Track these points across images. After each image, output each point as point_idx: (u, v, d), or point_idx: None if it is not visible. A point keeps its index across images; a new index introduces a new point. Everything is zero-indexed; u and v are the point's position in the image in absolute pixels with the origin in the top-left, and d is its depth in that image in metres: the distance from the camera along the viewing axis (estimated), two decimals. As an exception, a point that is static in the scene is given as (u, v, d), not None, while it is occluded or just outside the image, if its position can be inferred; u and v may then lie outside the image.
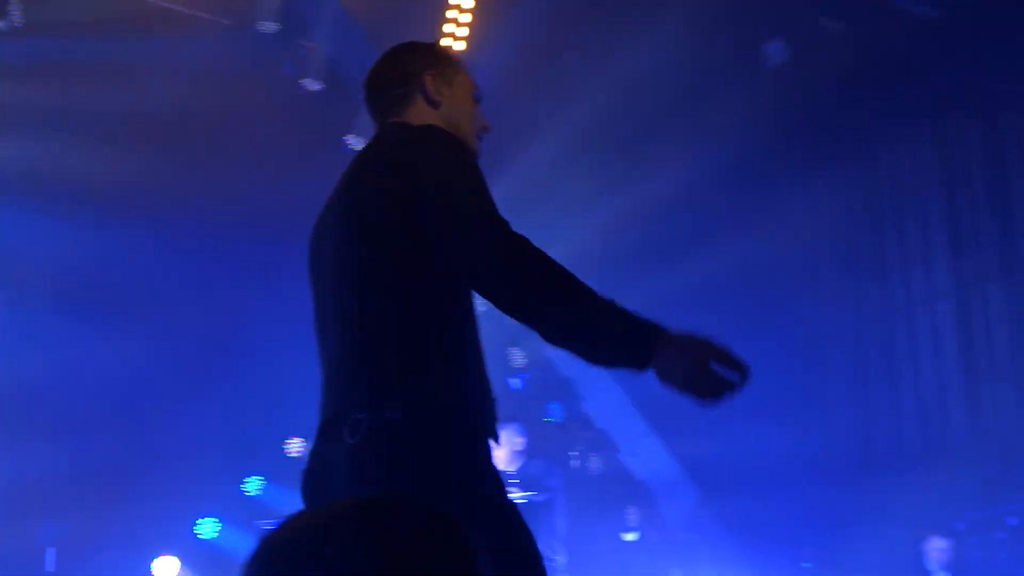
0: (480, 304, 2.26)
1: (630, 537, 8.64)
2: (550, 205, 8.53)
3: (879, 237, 9.71)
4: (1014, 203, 8.87)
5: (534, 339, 2.16)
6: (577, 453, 8.85)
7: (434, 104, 2.44)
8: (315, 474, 2.32)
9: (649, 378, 2.15)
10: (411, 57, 2.55)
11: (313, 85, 8.26)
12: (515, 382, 8.81)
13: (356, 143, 8.51)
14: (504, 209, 2.12)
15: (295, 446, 7.57)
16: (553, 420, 8.98)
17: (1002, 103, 8.98)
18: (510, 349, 8.61)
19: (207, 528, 7.24)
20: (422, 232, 2.19)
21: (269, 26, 7.72)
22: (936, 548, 7.73)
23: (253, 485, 7.58)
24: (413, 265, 2.23)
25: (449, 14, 8.16)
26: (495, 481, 2.20)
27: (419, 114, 2.41)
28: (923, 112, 9.34)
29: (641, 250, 9.14)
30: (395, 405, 2.13)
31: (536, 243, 2.10)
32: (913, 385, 9.52)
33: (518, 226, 2.09)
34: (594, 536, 7.89)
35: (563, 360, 8.86)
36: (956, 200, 9.21)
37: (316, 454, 2.34)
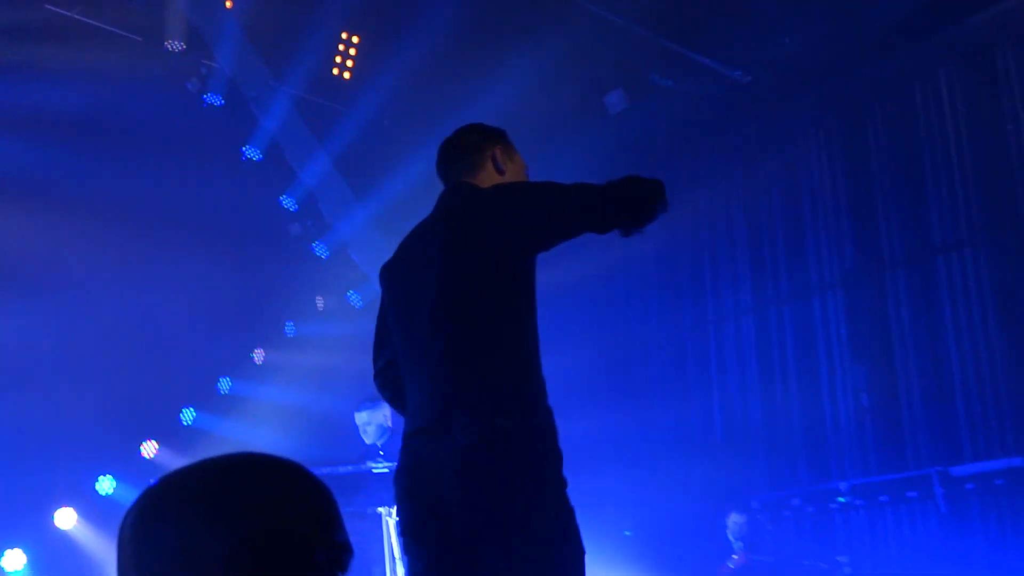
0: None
1: None
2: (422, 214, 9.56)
3: (696, 261, 11.32)
4: (805, 236, 10.64)
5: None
6: None
7: (500, 172, 2.91)
8: (412, 469, 2.62)
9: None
10: (484, 133, 3.03)
11: (214, 100, 9.15)
12: None
13: (252, 153, 9.44)
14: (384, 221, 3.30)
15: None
16: None
17: (799, 151, 10.78)
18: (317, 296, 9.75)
19: (105, 485, 7.97)
20: (518, 271, 2.61)
21: (176, 44, 8.61)
22: (734, 521, 8.89)
23: (148, 449, 8.31)
24: (508, 301, 2.64)
25: (340, 46, 9.28)
26: (562, 487, 2.60)
27: (488, 178, 2.86)
28: (735, 157, 11.05)
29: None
30: (505, 415, 2.48)
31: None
32: (720, 384, 11.02)
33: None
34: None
35: None
36: (758, 232, 10.89)
37: (412, 451, 2.64)
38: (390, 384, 2.99)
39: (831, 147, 10.59)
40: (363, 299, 10.07)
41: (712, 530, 9.33)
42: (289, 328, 9.67)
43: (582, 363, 10.14)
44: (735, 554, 8.74)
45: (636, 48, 9.45)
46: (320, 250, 9.94)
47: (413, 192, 9.39)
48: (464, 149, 2.97)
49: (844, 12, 8.99)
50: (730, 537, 8.88)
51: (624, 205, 2.66)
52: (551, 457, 2.55)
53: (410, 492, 2.61)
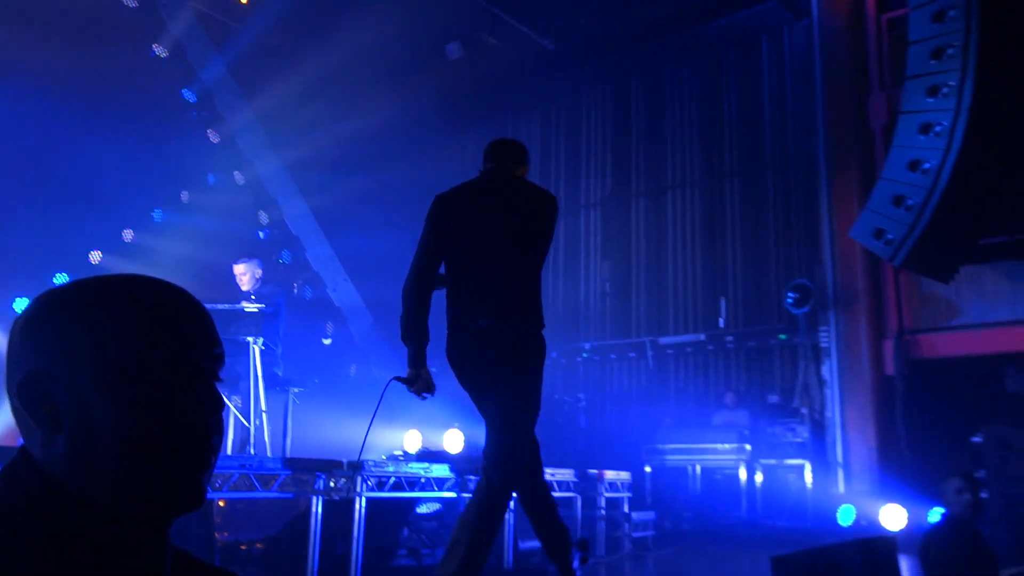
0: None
1: (327, 341, 11.08)
2: (296, 124, 10.93)
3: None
4: (580, 168, 12.88)
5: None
6: (296, 284, 11.19)
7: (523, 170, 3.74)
8: (470, 344, 3.40)
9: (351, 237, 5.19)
10: (526, 155, 3.80)
11: (130, 2, 10.05)
12: (261, 234, 11.15)
13: (160, 51, 10.34)
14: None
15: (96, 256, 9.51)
16: (283, 261, 11.31)
17: (581, 105, 12.88)
18: (259, 212, 11.01)
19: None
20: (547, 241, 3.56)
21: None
22: None
23: (60, 278, 9.22)
24: (541, 254, 3.57)
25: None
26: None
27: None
28: (537, 104, 13.12)
29: (342, 159, 11.48)
30: (534, 325, 3.47)
31: None
32: None
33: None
34: (303, 338, 9.51)
35: (291, 221, 11.27)
36: (546, 163, 13.15)
37: (479, 330, 3.36)
38: (426, 301, 3.56)
39: (603, 105, 12.92)
40: (244, 177, 11.24)
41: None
42: (184, 195, 10.54)
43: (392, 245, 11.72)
44: None
45: (472, 10, 11.10)
46: (213, 136, 10.98)
47: (292, 96, 10.83)
48: (522, 157, 3.75)
49: (623, 5, 11.01)
50: None
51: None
52: (545, 349, 3.66)
53: (473, 349, 3.45)
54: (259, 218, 11.16)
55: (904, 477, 8.91)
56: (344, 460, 4.59)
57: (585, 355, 12.29)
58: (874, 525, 7.66)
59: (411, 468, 5.14)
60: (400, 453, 6.96)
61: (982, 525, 5.22)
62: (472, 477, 5.54)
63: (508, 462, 3.41)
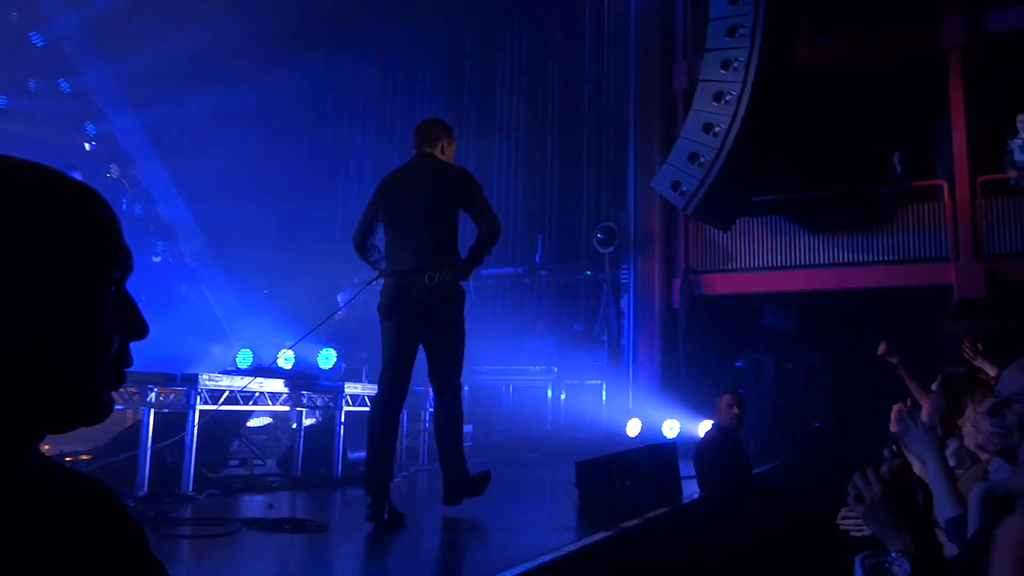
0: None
1: (156, 259, 10.38)
2: (129, 35, 9.86)
3: (337, 106, 12.86)
4: (414, 113, 12.60)
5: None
6: (126, 200, 10.33)
7: (443, 153, 3.99)
8: (396, 292, 3.75)
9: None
10: (443, 127, 4.07)
11: None
12: (87, 146, 10.06)
13: None
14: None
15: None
16: (111, 175, 10.33)
17: (417, 47, 12.51)
18: (86, 123, 9.94)
19: None
20: (460, 206, 3.85)
21: None
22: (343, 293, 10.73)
23: None
24: (454, 215, 3.86)
25: None
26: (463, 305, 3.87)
27: (440, 155, 3.97)
28: (373, 43, 12.60)
29: (177, 76, 10.71)
30: (447, 271, 3.70)
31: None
32: (343, 195, 12.79)
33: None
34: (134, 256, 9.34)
35: (121, 136, 10.29)
36: (384, 104, 12.71)
37: (399, 284, 3.75)
38: (367, 251, 4.07)
39: (438, 49, 12.65)
40: (71, 86, 10.04)
41: (327, 296, 10.53)
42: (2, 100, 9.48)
43: (246, 169, 11.14)
44: (341, 311, 9.18)
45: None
46: (35, 39, 9.78)
47: (125, 4, 9.71)
48: (434, 133, 4.04)
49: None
50: (339, 300, 9.74)
51: (495, 232, 3.89)
52: (463, 292, 3.91)
53: (398, 300, 3.77)
54: (85, 130, 10.13)
55: (681, 395, 9.66)
56: (177, 374, 4.32)
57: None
58: (656, 435, 8.27)
59: (245, 383, 4.92)
60: (233, 369, 6.65)
61: (740, 433, 5.76)
62: (305, 392, 5.41)
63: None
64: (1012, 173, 9.23)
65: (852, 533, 2.67)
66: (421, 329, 3.86)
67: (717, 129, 8.73)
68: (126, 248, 0.76)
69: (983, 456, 3.17)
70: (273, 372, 5.55)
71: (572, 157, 11.71)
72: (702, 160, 8.82)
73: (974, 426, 3.10)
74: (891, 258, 9.55)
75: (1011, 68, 9.71)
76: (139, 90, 10.30)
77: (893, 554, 1.47)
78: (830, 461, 8.95)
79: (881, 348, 4.70)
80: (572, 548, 3.13)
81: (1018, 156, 9.28)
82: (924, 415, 3.96)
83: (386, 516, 3.58)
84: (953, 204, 9.27)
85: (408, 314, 3.80)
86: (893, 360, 4.64)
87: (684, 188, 8.92)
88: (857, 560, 1.60)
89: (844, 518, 2.88)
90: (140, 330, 0.76)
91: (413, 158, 4.01)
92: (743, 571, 4.82)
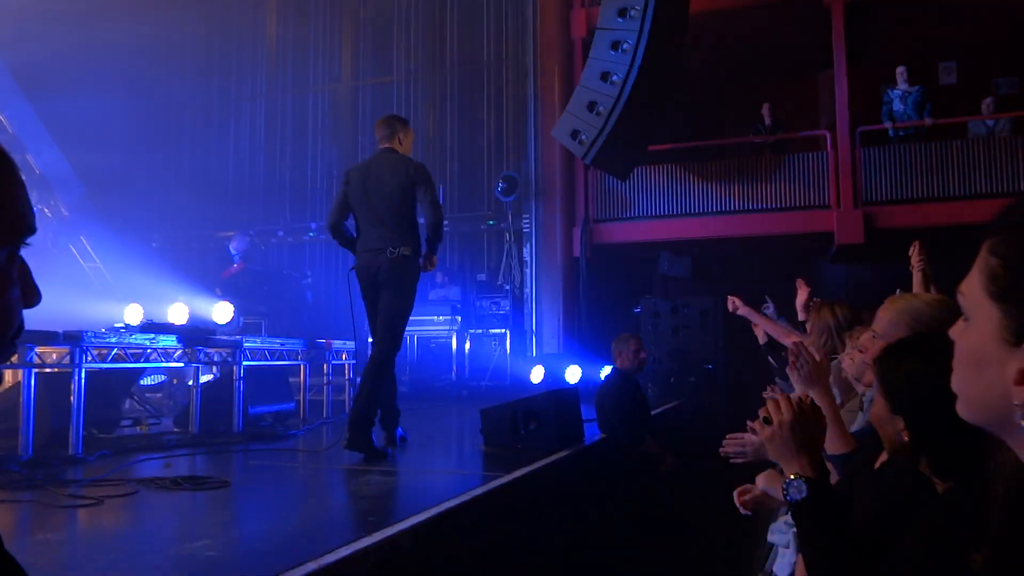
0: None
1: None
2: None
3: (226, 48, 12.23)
4: (307, 51, 12.08)
5: None
6: None
7: (400, 143, 4.71)
8: (367, 268, 4.48)
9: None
10: (399, 121, 4.82)
11: None
12: None
13: None
14: None
15: None
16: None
17: None
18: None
19: None
20: (415, 193, 4.51)
21: None
22: (238, 242, 10.34)
23: None
24: (412, 201, 4.52)
25: None
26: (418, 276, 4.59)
27: (399, 147, 4.70)
28: None
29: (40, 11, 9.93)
30: (406, 248, 4.42)
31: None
32: (236, 145, 12.31)
33: None
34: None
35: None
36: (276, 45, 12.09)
37: (368, 261, 4.47)
38: (341, 234, 4.76)
39: None
40: None
41: (217, 245, 10.40)
42: None
43: (128, 113, 10.51)
44: (235, 264, 9.55)
45: None
46: None
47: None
48: (392, 129, 4.77)
49: None
50: (232, 252, 9.69)
51: (437, 223, 4.64)
52: (418, 267, 4.64)
53: (366, 274, 4.53)
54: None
55: (583, 342, 9.91)
56: (60, 331, 4.08)
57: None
58: (559, 381, 8.47)
59: (135, 339, 4.70)
60: (122, 326, 6.34)
61: (639, 377, 5.96)
62: (201, 347, 5.23)
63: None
64: (889, 124, 9.78)
65: (732, 460, 2.85)
66: (380, 294, 4.57)
67: (615, 78, 8.80)
68: (32, 209, 0.71)
69: (859, 389, 3.42)
70: (165, 328, 5.32)
71: (472, 104, 11.58)
72: (600, 109, 8.89)
73: (851, 359, 3.34)
74: (779, 206, 9.99)
75: (891, 22, 10.21)
76: (1, 25, 9.37)
77: (791, 477, 1.59)
78: (722, 400, 9.45)
79: (730, 306, 5.01)
80: (479, 492, 3.19)
81: (896, 106, 9.82)
82: (810, 343, 4.22)
83: (361, 445, 4.23)
84: (835, 154, 9.75)
85: (374, 286, 4.54)
86: (742, 313, 4.95)
87: (583, 137, 8.98)
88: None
89: (727, 446, 3.06)
90: (36, 296, 0.72)
91: (377, 153, 4.76)
92: (643, 506, 5.06)
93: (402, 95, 11.92)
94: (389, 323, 4.54)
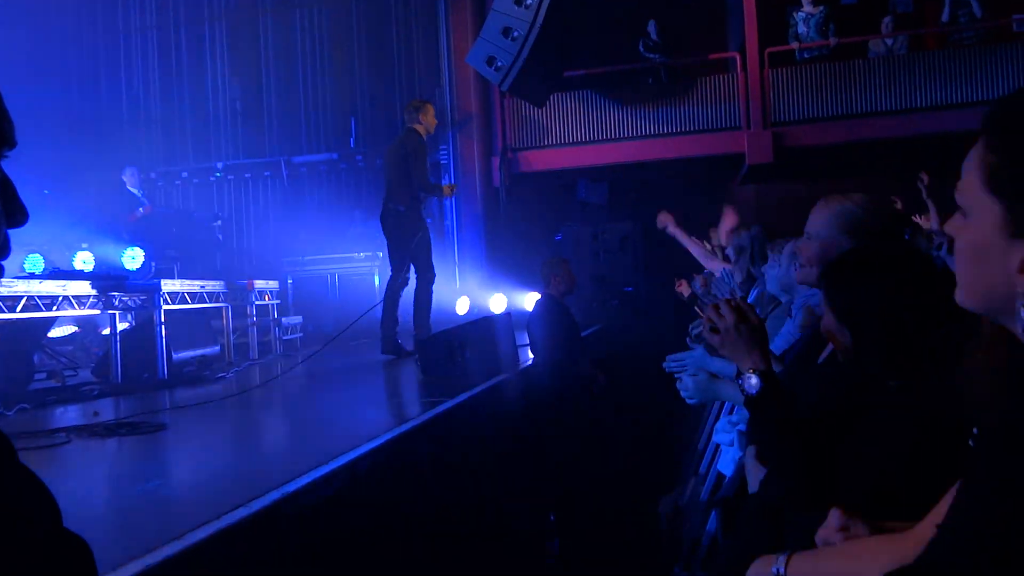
0: None
1: None
2: None
3: None
4: None
5: None
6: None
7: (420, 123, 6.07)
8: (384, 218, 5.91)
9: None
10: (419, 104, 6.19)
11: None
12: None
13: None
14: None
15: None
16: None
17: None
18: None
19: None
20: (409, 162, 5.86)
21: None
22: (132, 178, 9.70)
23: None
24: (407, 167, 5.85)
25: None
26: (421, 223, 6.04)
27: (420, 126, 6.05)
28: None
29: None
30: (400, 204, 5.85)
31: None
32: (128, 78, 11.52)
33: None
34: None
35: None
36: None
37: (385, 209, 5.93)
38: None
39: None
40: None
41: (116, 188, 9.43)
42: None
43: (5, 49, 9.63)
44: (142, 207, 9.03)
45: None
46: None
47: None
48: (409, 114, 6.17)
49: None
50: (135, 192, 9.14)
51: (421, 189, 5.97)
52: (420, 218, 6.05)
53: (384, 224, 5.97)
54: None
55: (506, 270, 9.96)
56: (-38, 283, 3.81)
57: (218, 174, 11.43)
58: (484, 311, 8.53)
59: (45, 288, 4.45)
60: (25, 275, 5.98)
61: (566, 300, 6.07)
62: (116, 293, 4.99)
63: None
64: (795, 44, 10.01)
65: (676, 374, 2.96)
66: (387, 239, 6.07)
67: (529, 2, 8.64)
68: (10, 122, 0.67)
69: (785, 297, 3.59)
70: (75, 275, 5.05)
71: (381, 32, 11.16)
72: (515, 34, 8.73)
73: (776, 267, 3.49)
74: (691, 128, 10.17)
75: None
76: None
77: (744, 373, 1.67)
78: (643, 320, 9.74)
79: (660, 223, 5.21)
80: (421, 419, 3.22)
81: (800, 28, 10.05)
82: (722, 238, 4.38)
83: (392, 350, 5.93)
84: (745, 75, 9.94)
85: (384, 233, 6.03)
86: (671, 231, 5.16)
87: (499, 63, 8.82)
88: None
89: (670, 364, 3.19)
90: (22, 214, 0.69)
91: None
92: (579, 422, 5.22)
93: (305, 25, 11.37)
94: (392, 262, 6.00)
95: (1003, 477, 0.77)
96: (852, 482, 1.46)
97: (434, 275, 6.06)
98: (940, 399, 1.32)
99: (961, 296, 0.81)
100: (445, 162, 10.65)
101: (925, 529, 1.15)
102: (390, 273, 6.06)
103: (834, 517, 1.29)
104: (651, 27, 10.57)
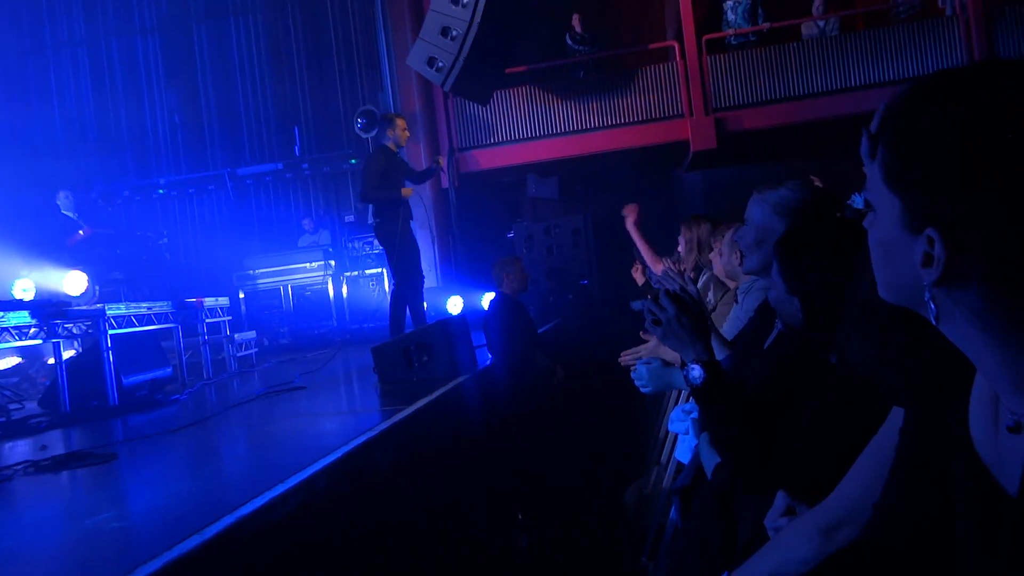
0: None
1: None
2: None
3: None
4: None
5: None
6: None
7: (391, 138, 6.36)
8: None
9: None
10: (383, 119, 6.56)
11: None
12: None
13: None
14: None
15: None
16: None
17: None
18: None
19: None
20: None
21: None
22: (67, 200, 9.43)
23: None
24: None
25: None
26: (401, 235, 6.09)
27: (391, 143, 6.32)
28: None
29: None
30: (376, 217, 6.35)
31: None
32: (59, 97, 11.19)
33: None
34: None
35: None
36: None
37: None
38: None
39: None
40: None
41: (52, 212, 9.16)
42: None
43: None
44: (81, 230, 8.68)
45: None
46: None
47: None
48: (384, 126, 6.48)
49: None
50: (70, 215, 8.82)
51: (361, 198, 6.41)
52: (395, 228, 6.14)
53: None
54: None
55: (461, 272, 9.95)
56: None
57: (161, 191, 11.19)
58: (442, 313, 8.49)
59: (-18, 321, 4.30)
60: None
61: (520, 298, 6.10)
62: (59, 321, 4.85)
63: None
64: (729, 31, 10.18)
65: (630, 367, 3.00)
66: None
67: (466, 1, 8.62)
68: None
69: (732, 284, 3.65)
70: (13, 305, 4.89)
71: (319, 38, 11.04)
72: (454, 33, 8.70)
73: (720, 256, 3.56)
74: (636, 119, 10.27)
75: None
76: None
77: (688, 364, 1.70)
78: (598, 311, 9.82)
79: (626, 212, 5.31)
80: (385, 425, 3.20)
81: (730, 16, 10.23)
82: (681, 250, 4.45)
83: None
84: (684, 63, 10.07)
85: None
86: (629, 226, 5.29)
87: (440, 64, 8.80)
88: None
89: (625, 359, 3.23)
90: None
91: None
92: (540, 416, 5.24)
93: (240, 33, 11.18)
94: (391, 275, 6.49)
95: (922, 458, 0.80)
96: (795, 463, 1.50)
97: (412, 282, 6.29)
98: (871, 375, 1.36)
99: (880, 291, 0.83)
100: (392, 166, 10.55)
101: (833, 500, 1.17)
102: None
103: (779, 500, 1.33)
104: (575, 21, 10.64)
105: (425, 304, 6.66)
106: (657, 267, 5.55)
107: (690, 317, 1.74)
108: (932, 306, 0.74)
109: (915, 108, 0.75)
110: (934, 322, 0.76)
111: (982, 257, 0.67)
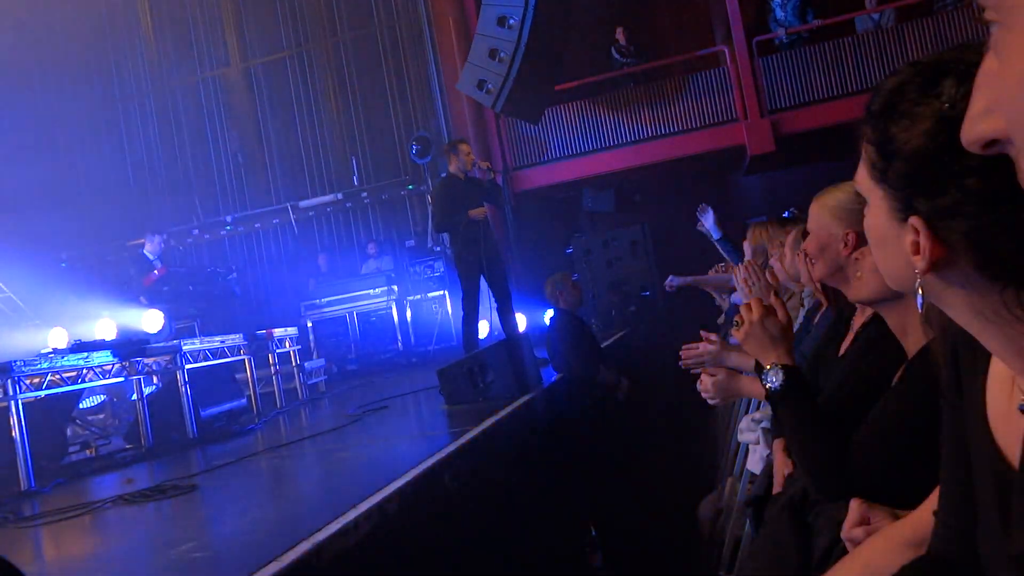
0: None
1: None
2: None
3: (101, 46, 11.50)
4: (190, 38, 11.48)
5: None
6: None
7: (453, 165, 6.32)
8: None
9: None
10: (449, 145, 6.50)
11: None
12: None
13: None
14: None
15: None
16: None
17: None
18: None
19: None
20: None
21: None
22: (154, 244, 9.84)
23: None
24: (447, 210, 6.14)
25: None
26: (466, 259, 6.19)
27: (453, 168, 6.37)
28: None
29: None
30: (448, 245, 7.18)
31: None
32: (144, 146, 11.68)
33: None
34: None
35: None
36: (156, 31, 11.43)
37: None
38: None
39: None
40: None
41: (129, 256, 9.63)
42: None
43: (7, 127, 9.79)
44: (156, 270, 8.94)
45: None
46: None
47: None
48: (446, 153, 6.54)
49: None
50: (148, 256, 9.08)
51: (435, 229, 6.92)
52: (460, 252, 6.18)
53: None
54: None
55: (521, 289, 9.97)
56: (-14, 366, 3.88)
57: (228, 228, 11.59)
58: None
59: (68, 361, 4.52)
60: (49, 351, 6.06)
61: (581, 312, 6.08)
62: (140, 359, 5.06)
63: None
64: (780, 31, 10.01)
65: (692, 370, 2.96)
66: None
67: (512, 21, 8.70)
68: None
69: (796, 287, 3.57)
70: (97, 346, 5.12)
71: (371, 70, 11.31)
72: (502, 55, 8.80)
73: (780, 260, 3.48)
74: (690, 127, 10.17)
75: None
76: None
77: (768, 367, 1.68)
78: (663, 322, 9.70)
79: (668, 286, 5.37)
80: (453, 447, 3.23)
81: (779, 14, 10.05)
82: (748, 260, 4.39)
83: None
84: (736, 67, 9.93)
85: None
86: (679, 284, 5.27)
87: (489, 86, 8.89)
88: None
89: (686, 355, 3.18)
90: None
91: None
92: (605, 433, 5.19)
93: (296, 71, 11.54)
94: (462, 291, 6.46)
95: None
96: (871, 470, 1.45)
97: (468, 303, 6.39)
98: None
99: (887, 280, 0.83)
100: (448, 189, 10.69)
101: (922, 512, 1.13)
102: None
103: (854, 509, 1.28)
104: (619, 34, 10.62)
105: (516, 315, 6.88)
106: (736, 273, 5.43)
107: (774, 321, 1.74)
108: (919, 294, 0.75)
109: (885, 109, 0.76)
110: (920, 309, 0.77)
111: (964, 246, 0.68)
